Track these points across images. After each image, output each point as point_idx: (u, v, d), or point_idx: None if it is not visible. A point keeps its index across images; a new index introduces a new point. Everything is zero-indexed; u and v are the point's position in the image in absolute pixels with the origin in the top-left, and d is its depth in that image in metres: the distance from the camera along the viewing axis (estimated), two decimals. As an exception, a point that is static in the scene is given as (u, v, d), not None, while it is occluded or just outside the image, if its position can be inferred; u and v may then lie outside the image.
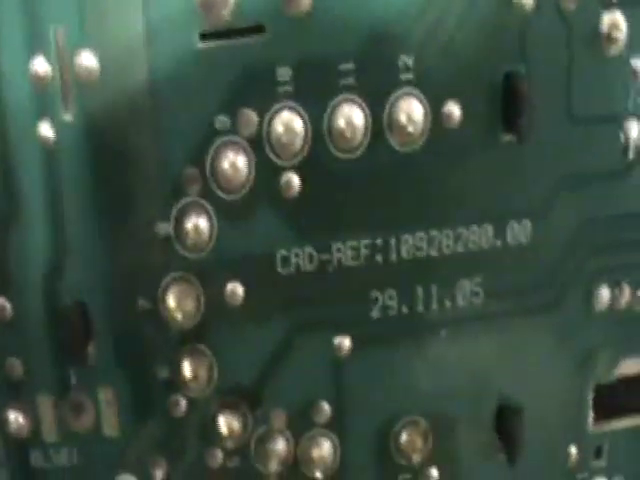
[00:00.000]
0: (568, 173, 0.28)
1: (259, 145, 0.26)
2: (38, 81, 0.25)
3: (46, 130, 0.25)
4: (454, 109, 0.26)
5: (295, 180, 0.26)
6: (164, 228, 0.26)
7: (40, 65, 0.25)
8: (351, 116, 0.26)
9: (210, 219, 0.26)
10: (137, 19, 0.25)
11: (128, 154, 0.26)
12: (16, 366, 0.27)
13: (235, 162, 0.25)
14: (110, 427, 0.27)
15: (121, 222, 0.26)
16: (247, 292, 0.27)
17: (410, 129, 0.26)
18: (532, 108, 0.26)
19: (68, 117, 0.25)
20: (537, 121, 0.27)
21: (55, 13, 0.25)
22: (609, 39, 0.27)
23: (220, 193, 0.26)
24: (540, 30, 0.26)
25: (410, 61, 0.26)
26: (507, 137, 0.27)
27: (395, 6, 0.26)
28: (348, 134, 0.26)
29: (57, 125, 0.25)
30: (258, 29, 0.25)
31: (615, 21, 0.27)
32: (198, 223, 0.26)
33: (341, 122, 0.26)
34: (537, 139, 0.27)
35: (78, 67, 0.25)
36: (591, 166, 0.28)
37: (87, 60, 0.25)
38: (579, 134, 0.27)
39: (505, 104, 0.26)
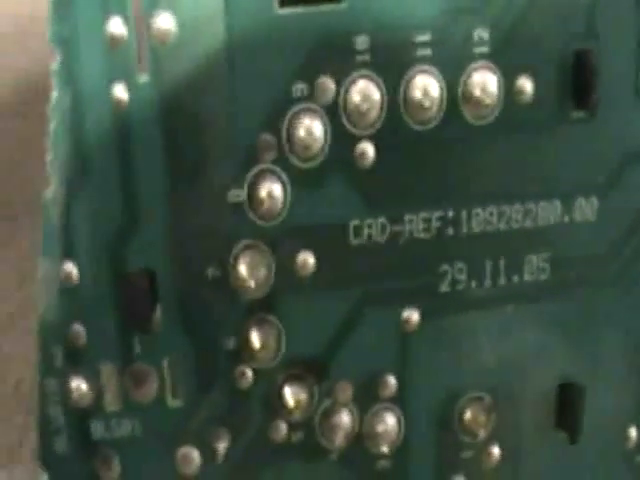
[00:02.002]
0: (634, 150, 0.28)
1: (335, 113, 0.26)
2: (114, 42, 0.25)
3: (120, 92, 0.25)
4: (527, 84, 0.26)
5: (370, 150, 0.26)
6: (237, 194, 0.26)
7: (116, 26, 0.25)
8: (427, 87, 0.26)
9: (284, 187, 0.26)
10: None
11: (203, 119, 0.25)
12: (80, 333, 0.27)
13: (311, 129, 0.25)
14: (174, 397, 0.27)
15: (193, 188, 0.26)
16: (318, 262, 0.26)
17: (484, 102, 0.26)
18: (601, 85, 0.27)
19: (143, 79, 0.25)
20: (606, 98, 0.27)
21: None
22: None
23: (295, 161, 0.26)
24: (609, 5, 0.27)
25: (486, 34, 0.26)
26: (578, 113, 0.27)
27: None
28: (425, 104, 0.26)
29: (131, 87, 0.25)
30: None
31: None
32: (272, 190, 0.26)
33: (417, 93, 0.26)
34: (606, 116, 0.27)
35: (155, 29, 0.25)
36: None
37: (164, 22, 0.25)
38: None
39: (576, 80, 0.27)
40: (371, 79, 0.25)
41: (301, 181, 0.26)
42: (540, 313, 0.28)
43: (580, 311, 0.28)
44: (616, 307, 0.28)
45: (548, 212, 0.27)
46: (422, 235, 0.27)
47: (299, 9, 0.25)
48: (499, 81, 0.26)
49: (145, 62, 0.25)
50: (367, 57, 0.26)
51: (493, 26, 0.26)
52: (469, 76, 0.26)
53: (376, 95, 0.26)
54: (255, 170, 0.26)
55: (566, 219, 0.27)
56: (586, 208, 0.28)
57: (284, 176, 0.26)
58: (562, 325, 0.28)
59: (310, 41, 0.25)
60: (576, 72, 0.27)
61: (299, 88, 0.25)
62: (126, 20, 0.25)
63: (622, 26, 0.27)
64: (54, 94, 0.26)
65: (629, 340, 0.29)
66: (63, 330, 0.27)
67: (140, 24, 0.25)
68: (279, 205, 0.26)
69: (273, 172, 0.26)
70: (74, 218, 0.26)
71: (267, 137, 0.26)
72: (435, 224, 0.27)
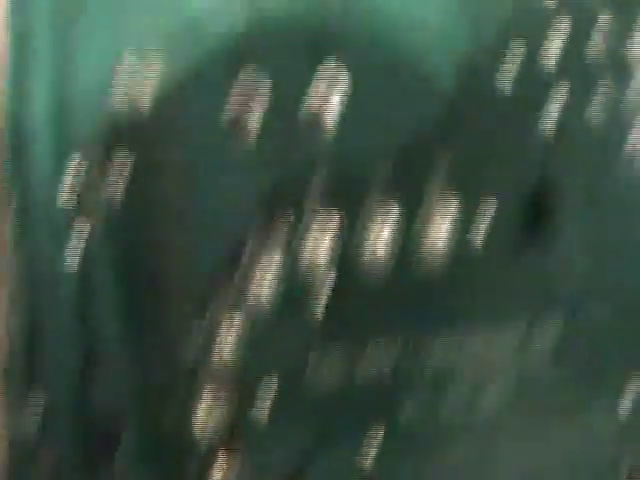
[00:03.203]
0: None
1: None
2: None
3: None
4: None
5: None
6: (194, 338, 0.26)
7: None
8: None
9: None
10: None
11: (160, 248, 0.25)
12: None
13: None
14: None
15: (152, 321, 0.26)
16: (277, 399, 0.26)
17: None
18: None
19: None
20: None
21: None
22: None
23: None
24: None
25: None
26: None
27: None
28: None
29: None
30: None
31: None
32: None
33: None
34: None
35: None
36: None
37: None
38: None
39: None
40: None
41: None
42: (502, 443, 0.28)
43: (544, 439, 0.28)
44: (580, 433, 0.28)
45: (508, 338, 0.27)
46: (379, 367, 0.26)
47: None
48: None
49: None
50: None
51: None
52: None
53: None
54: (215, 305, 0.26)
55: (528, 345, 0.27)
56: (549, 331, 0.27)
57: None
58: (524, 453, 0.28)
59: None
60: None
61: None
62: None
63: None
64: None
65: (590, 468, 0.29)
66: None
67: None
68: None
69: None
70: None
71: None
72: (391, 356, 0.26)
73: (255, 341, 0.26)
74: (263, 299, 0.26)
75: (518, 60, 0.26)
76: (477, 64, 0.25)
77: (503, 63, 0.25)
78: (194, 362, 0.26)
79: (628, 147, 0.27)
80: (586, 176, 0.26)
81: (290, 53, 0.24)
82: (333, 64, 0.24)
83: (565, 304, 0.27)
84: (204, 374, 0.26)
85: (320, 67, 0.24)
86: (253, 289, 0.26)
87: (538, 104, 0.26)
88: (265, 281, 0.25)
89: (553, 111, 0.26)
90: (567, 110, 0.26)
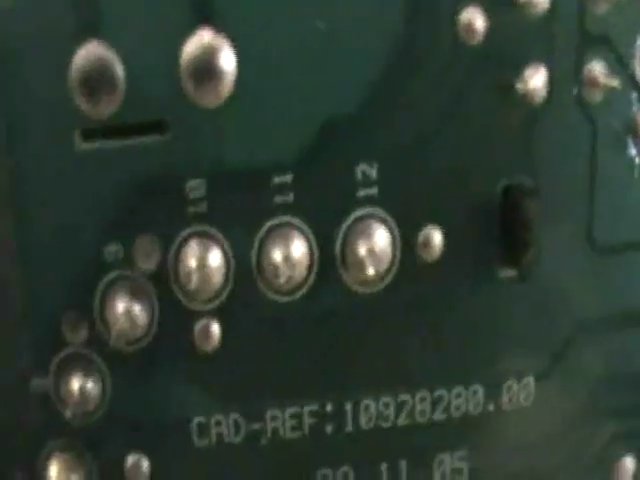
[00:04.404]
0: (587, 317, 0.22)
1: (164, 283, 0.19)
2: None
3: None
4: (433, 236, 0.20)
5: (214, 328, 0.20)
6: (41, 384, 0.20)
7: None
8: (289, 246, 0.19)
9: (101, 376, 0.20)
10: None
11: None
12: None
13: (131, 306, 0.20)
14: None
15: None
16: (154, 467, 0.20)
17: (371, 263, 0.20)
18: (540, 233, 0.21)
19: None
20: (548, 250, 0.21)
21: None
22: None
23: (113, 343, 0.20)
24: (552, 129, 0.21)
25: (373, 172, 0.20)
26: (506, 272, 0.21)
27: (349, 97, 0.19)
28: (285, 270, 0.19)
29: None
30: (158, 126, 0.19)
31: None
32: (84, 382, 0.20)
33: (276, 255, 0.19)
34: (547, 274, 0.21)
35: None
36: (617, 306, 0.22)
37: None
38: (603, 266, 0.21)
39: (503, 229, 0.21)
40: (210, 237, 0.19)
41: (124, 369, 0.20)
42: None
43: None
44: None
45: (466, 400, 0.21)
46: (291, 434, 0.20)
47: (109, 143, 0.19)
48: (392, 234, 0.20)
49: None
50: (203, 207, 0.20)
51: (382, 160, 0.19)
52: (349, 229, 0.19)
53: (216, 258, 0.19)
54: (62, 355, 0.20)
55: (490, 408, 0.21)
56: (518, 393, 0.21)
57: (100, 362, 0.20)
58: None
59: (125, 187, 0.19)
60: (504, 217, 0.21)
61: (112, 250, 0.19)
62: None
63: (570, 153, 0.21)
64: None
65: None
66: None
67: None
68: (95, 398, 0.20)
69: (85, 357, 0.20)
70: None
71: (74, 314, 0.20)
72: (309, 420, 0.20)
73: (121, 393, 0.20)
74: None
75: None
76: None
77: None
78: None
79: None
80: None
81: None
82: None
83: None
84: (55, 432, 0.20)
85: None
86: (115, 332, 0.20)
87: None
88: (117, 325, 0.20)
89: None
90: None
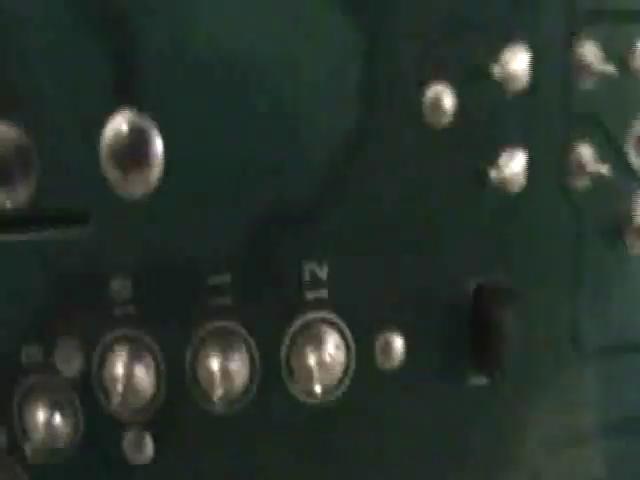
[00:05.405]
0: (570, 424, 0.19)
1: (88, 391, 0.17)
2: None
3: None
4: (393, 341, 0.18)
5: (147, 442, 0.17)
6: None
7: None
8: (227, 354, 0.17)
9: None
10: None
11: None
12: None
13: (51, 416, 0.17)
14: None
15: None
16: None
17: (321, 373, 0.18)
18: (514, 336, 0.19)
19: None
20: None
21: None
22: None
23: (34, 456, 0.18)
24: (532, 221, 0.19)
25: (323, 272, 0.18)
26: (475, 379, 0.19)
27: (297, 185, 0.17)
28: (222, 381, 0.17)
29: None
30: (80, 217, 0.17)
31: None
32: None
33: (213, 364, 0.17)
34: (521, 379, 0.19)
35: None
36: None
37: None
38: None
39: (474, 334, 0.18)
40: (138, 343, 0.17)
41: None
42: None
43: None
44: None
45: None
46: None
47: (22, 236, 0.16)
48: (346, 340, 0.18)
49: None
50: (130, 309, 0.17)
51: (330, 254, 0.17)
52: (296, 336, 0.17)
53: (145, 366, 0.17)
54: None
55: None
56: None
57: (21, 472, 0.18)
58: None
59: (41, 284, 0.17)
60: (475, 323, 0.18)
61: (30, 353, 0.17)
62: None
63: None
64: None
65: None
66: None
67: None
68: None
69: (4, 467, 0.18)
70: None
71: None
72: None
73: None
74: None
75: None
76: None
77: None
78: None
79: None
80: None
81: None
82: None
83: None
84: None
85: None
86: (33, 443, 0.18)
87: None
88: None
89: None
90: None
